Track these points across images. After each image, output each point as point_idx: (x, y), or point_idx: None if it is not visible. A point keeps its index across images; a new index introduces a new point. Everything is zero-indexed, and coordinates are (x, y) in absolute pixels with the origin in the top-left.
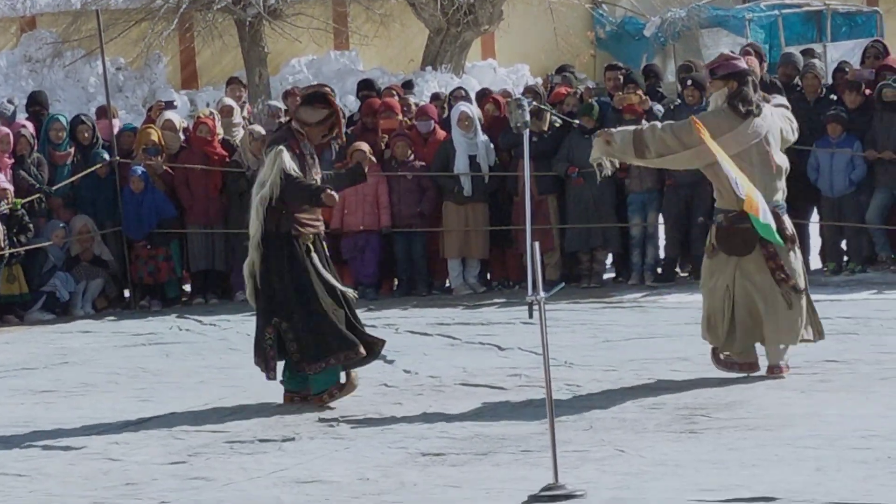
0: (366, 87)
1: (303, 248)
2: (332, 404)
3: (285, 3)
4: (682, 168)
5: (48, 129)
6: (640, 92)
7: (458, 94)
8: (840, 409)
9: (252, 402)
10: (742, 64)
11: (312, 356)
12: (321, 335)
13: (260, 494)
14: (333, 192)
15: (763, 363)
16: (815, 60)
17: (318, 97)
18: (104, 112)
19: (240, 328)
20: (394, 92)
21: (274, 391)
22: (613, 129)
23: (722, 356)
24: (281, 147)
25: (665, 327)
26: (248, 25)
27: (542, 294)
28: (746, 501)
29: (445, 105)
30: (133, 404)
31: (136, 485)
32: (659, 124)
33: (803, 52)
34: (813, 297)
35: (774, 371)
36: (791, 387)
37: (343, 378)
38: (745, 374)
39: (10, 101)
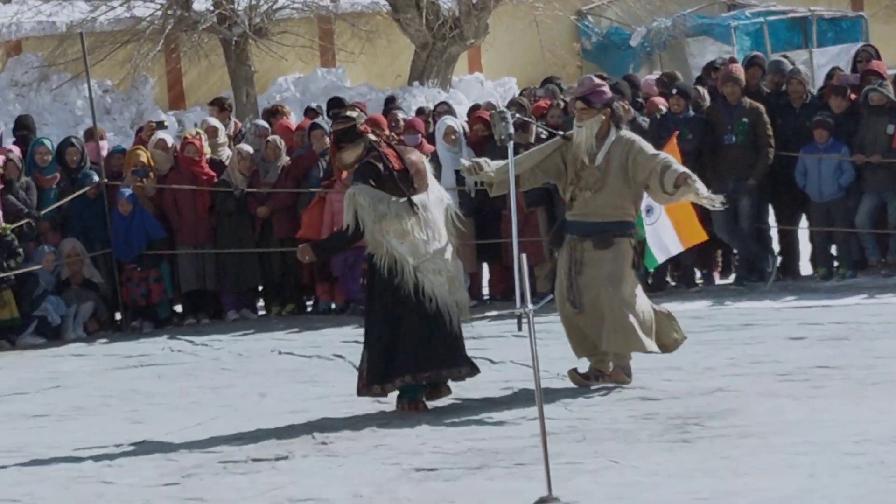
0: (336, 105)
1: None
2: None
3: (271, 21)
4: None
5: (33, 154)
6: (623, 102)
7: (442, 109)
8: (832, 415)
9: (245, 422)
10: (609, 91)
11: None
12: None
13: None
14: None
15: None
16: (801, 66)
17: None
18: (92, 135)
19: (231, 348)
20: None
21: (267, 410)
22: (486, 167)
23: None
24: None
25: None
26: (234, 44)
27: (530, 306)
28: None
29: (430, 119)
30: (125, 426)
31: None
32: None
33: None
34: (805, 302)
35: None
36: (783, 393)
37: None
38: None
39: None
